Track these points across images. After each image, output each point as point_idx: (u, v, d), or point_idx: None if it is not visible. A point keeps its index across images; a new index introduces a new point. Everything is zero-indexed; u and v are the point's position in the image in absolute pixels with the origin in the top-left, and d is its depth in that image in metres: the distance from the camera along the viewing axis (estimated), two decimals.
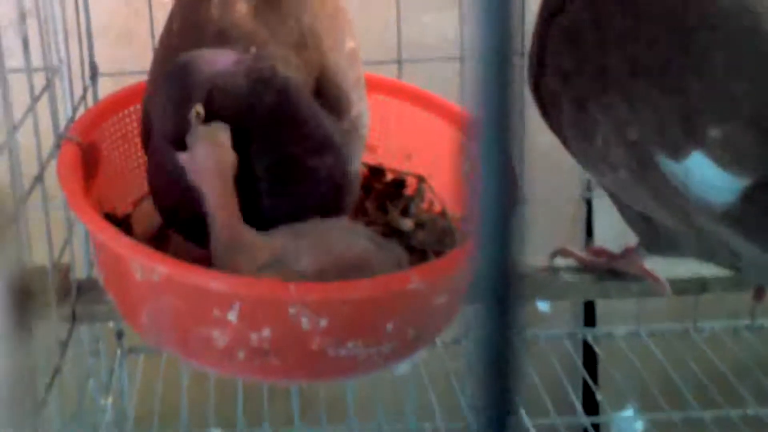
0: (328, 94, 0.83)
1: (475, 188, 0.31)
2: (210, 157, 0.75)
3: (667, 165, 0.74)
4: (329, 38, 0.85)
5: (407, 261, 0.83)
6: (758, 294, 0.93)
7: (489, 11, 0.29)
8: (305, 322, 0.72)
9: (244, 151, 0.77)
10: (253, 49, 0.80)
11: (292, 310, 0.72)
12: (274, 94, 0.79)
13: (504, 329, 0.31)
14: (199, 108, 0.75)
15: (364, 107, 0.87)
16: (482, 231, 0.31)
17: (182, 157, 0.76)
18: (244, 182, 0.78)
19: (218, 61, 0.77)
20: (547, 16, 0.83)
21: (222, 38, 0.82)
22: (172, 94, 0.76)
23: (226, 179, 0.76)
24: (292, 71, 0.81)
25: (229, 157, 0.76)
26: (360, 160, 0.88)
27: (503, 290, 0.31)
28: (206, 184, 0.76)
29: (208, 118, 0.75)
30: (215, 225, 0.77)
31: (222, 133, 0.76)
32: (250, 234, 0.78)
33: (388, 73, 1.07)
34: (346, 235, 0.81)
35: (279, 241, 0.78)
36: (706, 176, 0.73)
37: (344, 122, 0.84)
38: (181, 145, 0.76)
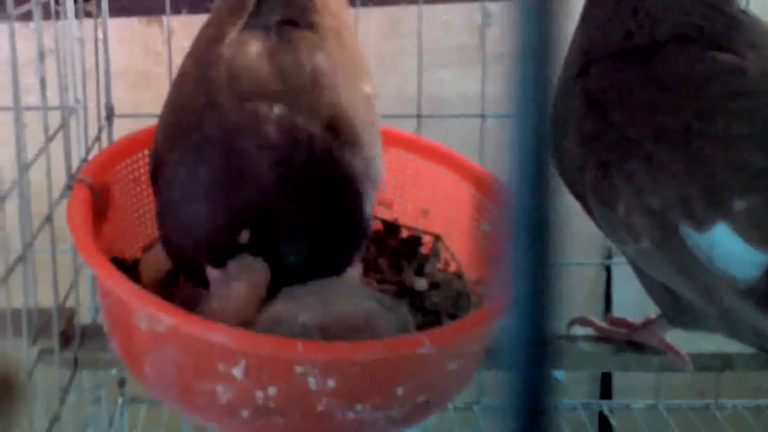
0: (340, 132, 0.80)
1: (505, 251, 0.29)
2: (242, 295, 0.74)
3: (691, 236, 0.72)
4: (345, 79, 0.83)
5: (414, 325, 0.80)
6: None
7: (529, 71, 0.27)
8: (312, 382, 0.70)
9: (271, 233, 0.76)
10: (276, 110, 0.78)
11: (299, 369, 0.69)
12: (306, 164, 0.77)
13: (535, 396, 0.30)
14: (246, 233, 0.73)
15: (378, 153, 0.85)
16: (515, 296, 0.29)
17: (212, 274, 0.74)
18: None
19: (265, 155, 0.75)
20: (569, 78, 0.81)
21: (233, 81, 0.80)
22: (219, 216, 0.74)
23: (247, 310, 0.75)
24: (305, 117, 0.79)
25: (261, 294, 0.75)
26: (372, 206, 0.85)
27: (536, 356, 0.29)
28: (223, 311, 0.74)
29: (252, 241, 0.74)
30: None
31: (262, 273, 0.75)
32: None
33: (407, 128, 1.06)
34: (350, 295, 0.78)
35: (279, 305, 0.76)
36: (730, 249, 0.71)
37: (356, 160, 0.81)
38: (218, 263, 0.74)
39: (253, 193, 0.74)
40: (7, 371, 0.76)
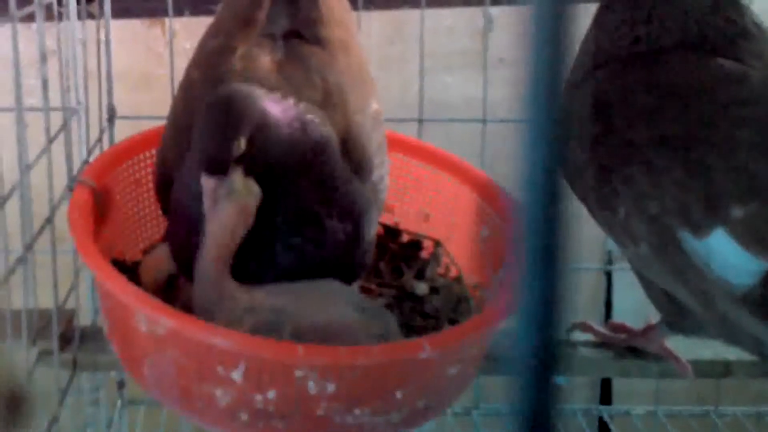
0: (351, 156, 0.81)
1: (511, 257, 0.29)
2: (232, 216, 0.74)
3: (689, 241, 0.72)
4: (354, 99, 0.83)
5: (398, 331, 0.80)
6: None
7: (540, 78, 0.27)
8: (312, 386, 0.70)
9: (269, 197, 0.76)
10: (291, 99, 0.79)
11: (298, 373, 0.69)
12: (313, 150, 0.77)
13: (540, 402, 0.30)
14: (242, 142, 0.73)
15: (385, 171, 0.86)
16: (523, 302, 0.29)
17: (207, 183, 0.74)
18: (261, 229, 0.76)
19: (269, 102, 0.76)
20: (576, 81, 0.81)
21: None
22: (221, 120, 0.74)
23: (234, 237, 0.75)
24: (328, 128, 0.80)
25: (249, 220, 0.75)
26: (376, 226, 0.85)
27: (543, 363, 0.29)
28: (215, 232, 0.75)
29: (246, 155, 0.74)
30: (204, 271, 0.75)
31: (253, 196, 0.75)
32: (232, 286, 0.76)
33: (409, 132, 1.06)
34: (327, 299, 0.78)
35: (258, 295, 0.76)
36: (727, 255, 0.71)
37: (365, 186, 0.82)
38: (214, 170, 0.74)
39: (253, 111, 0.74)
40: (13, 381, 0.75)
